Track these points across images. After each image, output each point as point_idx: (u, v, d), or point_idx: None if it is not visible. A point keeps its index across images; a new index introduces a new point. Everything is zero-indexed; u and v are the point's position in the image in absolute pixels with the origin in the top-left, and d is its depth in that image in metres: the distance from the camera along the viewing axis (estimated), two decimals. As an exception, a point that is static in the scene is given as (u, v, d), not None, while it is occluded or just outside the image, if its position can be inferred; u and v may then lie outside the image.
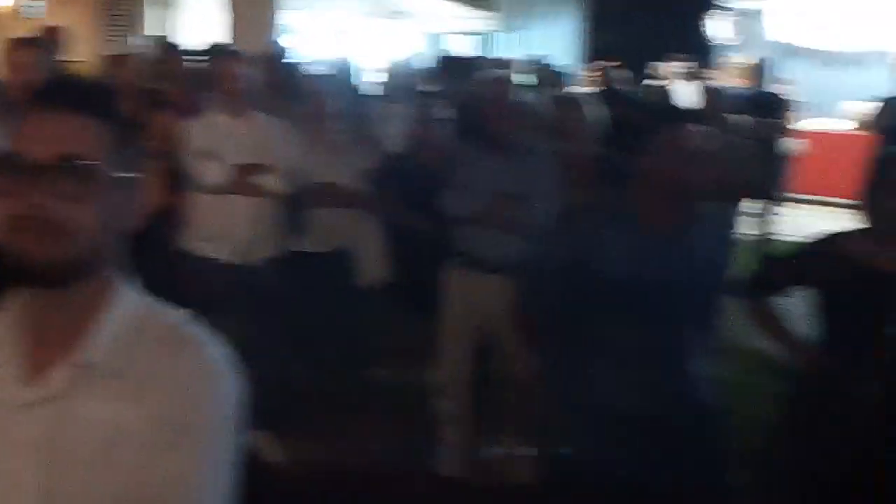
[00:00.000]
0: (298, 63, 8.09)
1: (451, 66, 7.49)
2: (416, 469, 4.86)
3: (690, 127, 3.04)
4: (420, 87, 7.27)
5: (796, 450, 3.32)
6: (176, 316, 1.48)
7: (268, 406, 4.88)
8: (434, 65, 7.70)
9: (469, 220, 4.58)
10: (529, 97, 6.12)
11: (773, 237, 9.05)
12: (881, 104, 6.95)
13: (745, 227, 7.89)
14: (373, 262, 5.53)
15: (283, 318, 5.04)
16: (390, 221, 5.64)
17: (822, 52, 14.43)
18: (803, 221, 9.78)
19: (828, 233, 3.34)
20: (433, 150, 5.36)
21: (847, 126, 12.38)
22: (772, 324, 3.43)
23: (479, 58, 10.95)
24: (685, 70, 11.00)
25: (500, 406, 4.78)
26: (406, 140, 5.74)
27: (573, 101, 5.48)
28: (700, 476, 3.10)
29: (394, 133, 5.99)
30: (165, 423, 1.37)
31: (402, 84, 6.73)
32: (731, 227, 6.32)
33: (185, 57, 7.04)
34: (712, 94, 6.67)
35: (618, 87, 8.96)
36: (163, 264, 5.08)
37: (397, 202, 5.44)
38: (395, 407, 5.48)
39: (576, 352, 3.09)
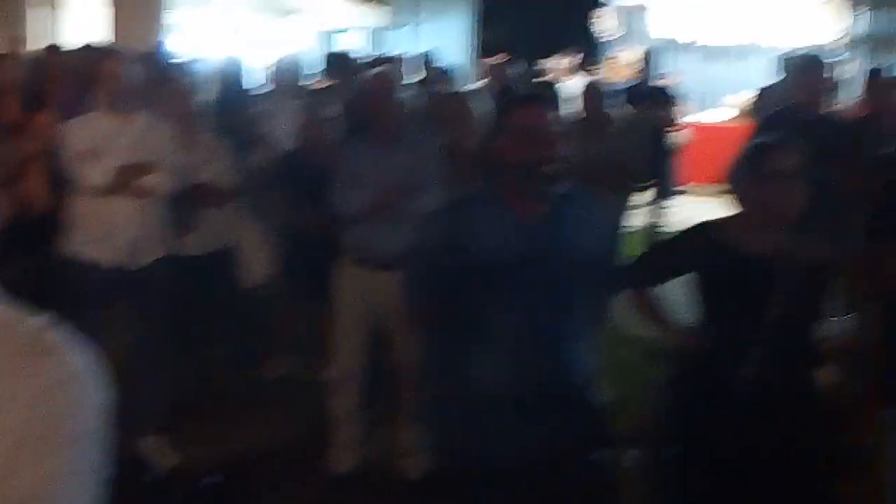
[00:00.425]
0: (185, 61, 7.99)
1: (338, 63, 7.49)
2: (312, 465, 4.87)
3: (537, 108, 3.10)
4: (308, 84, 7.26)
5: (678, 433, 3.40)
6: (37, 322, 1.39)
7: (160, 410, 4.87)
8: (321, 62, 7.69)
9: (358, 215, 4.60)
10: (415, 92, 6.18)
11: (662, 227, 9.26)
12: (756, 95, 7.19)
13: (634, 218, 8.05)
14: (260, 261, 5.51)
15: (171, 320, 4.98)
16: (280, 219, 5.63)
17: (705, 46, 14.82)
18: (691, 210, 10.03)
19: (703, 220, 3.43)
20: (321, 147, 5.37)
21: (730, 117, 12.73)
22: (652, 311, 3.49)
23: (366, 54, 10.97)
24: (573, 64, 11.18)
25: (395, 400, 4.81)
26: (295, 137, 5.73)
27: (458, 96, 5.54)
28: (584, 459, 3.19)
29: (282, 130, 5.98)
30: (26, 435, 1.30)
31: (290, 81, 6.71)
32: (615, 216, 6.45)
33: (67, 56, 6.90)
34: (594, 87, 6.80)
35: (507, 82, 9.06)
36: (45, 268, 4.98)
37: (287, 199, 5.43)
38: (290, 404, 5.47)
39: (463, 340, 3.14)
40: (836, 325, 3.32)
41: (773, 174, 3.19)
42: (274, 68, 6.92)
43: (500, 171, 3.09)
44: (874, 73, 6.89)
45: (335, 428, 4.86)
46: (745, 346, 3.18)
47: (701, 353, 3.29)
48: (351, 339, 4.75)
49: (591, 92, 6.58)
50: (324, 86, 7.28)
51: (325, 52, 8.35)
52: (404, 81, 7.15)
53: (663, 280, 3.50)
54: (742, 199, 3.28)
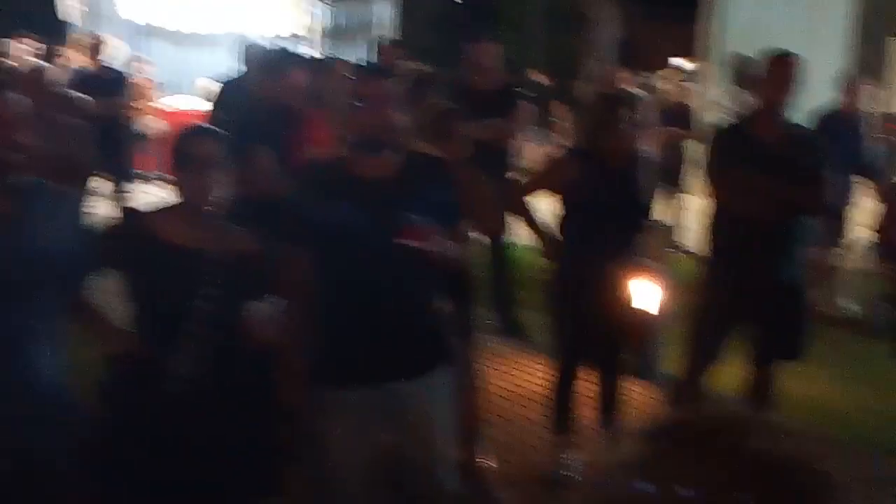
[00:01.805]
0: None
1: None
2: None
3: None
4: None
5: (117, 435, 3.23)
6: None
7: None
8: None
9: None
10: None
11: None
12: (218, 83, 7.26)
13: (98, 207, 7.76)
14: None
15: None
16: None
17: (177, 32, 14.80)
18: (161, 197, 9.93)
19: (133, 210, 3.33)
20: None
21: (199, 104, 12.77)
22: (88, 314, 3.27)
23: None
24: (33, 48, 10.56)
25: None
26: None
27: None
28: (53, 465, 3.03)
29: None
30: None
31: None
32: (76, 208, 6.18)
33: None
34: (40, 71, 6.46)
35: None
36: None
37: None
38: None
39: None
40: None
41: (189, 161, 3.14)
42: None
43: None
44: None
45: None
46: (175, 341, 3.08)
47: (135, 352, 3.13)
48: None
49: (36, 77, 6.24)
50: None
51: None
52: None
53: (94, 273, 3.30)
54: (175, 188, 3.21)
